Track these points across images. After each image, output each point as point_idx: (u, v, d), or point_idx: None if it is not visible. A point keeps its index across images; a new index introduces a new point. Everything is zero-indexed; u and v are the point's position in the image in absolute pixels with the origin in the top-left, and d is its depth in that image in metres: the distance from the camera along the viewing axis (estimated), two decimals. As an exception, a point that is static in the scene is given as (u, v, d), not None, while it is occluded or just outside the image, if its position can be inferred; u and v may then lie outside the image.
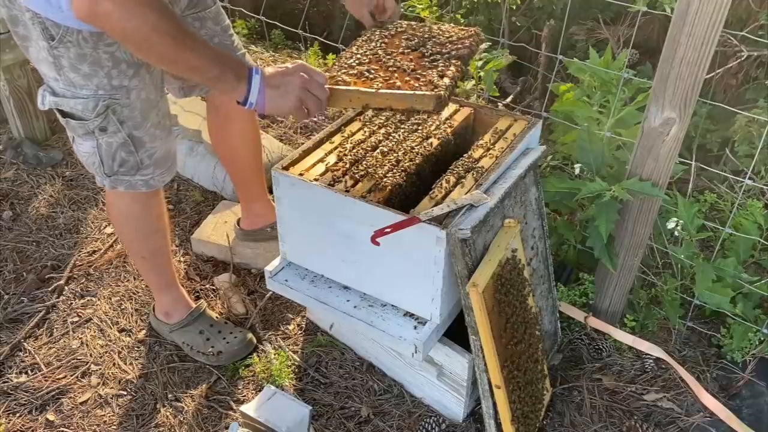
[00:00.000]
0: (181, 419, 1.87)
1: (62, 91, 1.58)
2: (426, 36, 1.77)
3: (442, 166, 1.75)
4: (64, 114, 1.61)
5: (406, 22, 1.88)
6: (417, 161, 1.74)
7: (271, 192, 1.85)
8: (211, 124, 2.15)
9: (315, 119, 1.61)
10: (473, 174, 1.67)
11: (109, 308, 2.20)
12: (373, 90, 1.54)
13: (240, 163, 2.20)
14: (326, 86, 1.52)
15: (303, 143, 1.94)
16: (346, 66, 1.64)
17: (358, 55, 1.69)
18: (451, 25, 1.86)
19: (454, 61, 1.64)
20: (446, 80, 1.55)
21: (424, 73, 1.59)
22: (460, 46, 1.71)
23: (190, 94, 1.95)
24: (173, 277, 2.03)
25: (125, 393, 1.95)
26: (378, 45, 1.74)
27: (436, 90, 1.51)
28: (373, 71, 1.61)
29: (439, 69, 1.60)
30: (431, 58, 1.66)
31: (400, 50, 1.71)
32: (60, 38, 1.48)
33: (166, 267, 1.99)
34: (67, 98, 1.58)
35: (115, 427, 1.86)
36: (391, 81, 1.57)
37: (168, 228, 1.95)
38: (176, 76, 1.83)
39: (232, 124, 2.09)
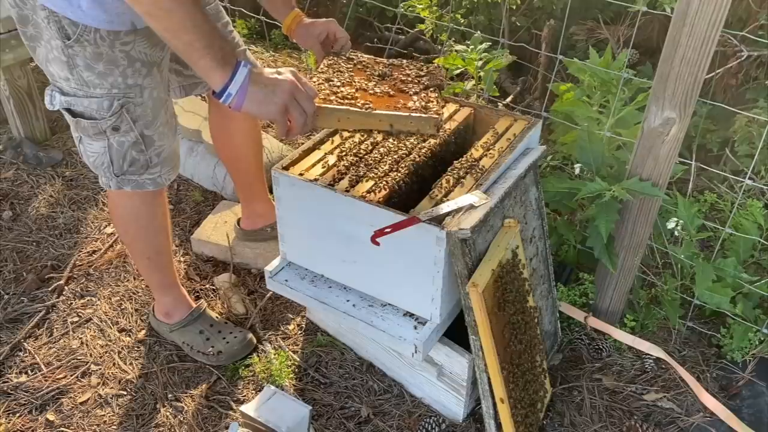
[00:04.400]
0: (181, 419, 1.87)
1: (73, 90, 1.57)
2: (390, 69, 1.74)
3: (442, 166, 1.75)
4: (75, 114, 1.61)
5: (366, 55, 1.83)
6: (417, 161, 1.74)
7: (271, 192, 1.85)
8: (213, 123, 2.15)
9: (296, 137, 1.55)
10: (473, 174, 1.67)
11: (109, 308, 2.20)
12: (366, 110, 1.49)
13: (241, 162, 2.20)
14: (315, 102, 1.46)
15: (303, 143, 1.94)
16: (326, 92, 1.57)
17: (335, 81, 1.63)
18: (411, 62, 1.82)
19: (431, 91, 1.63)
20: (435, 106, 1.55)
21: (410, 99, 1.58)
22: (432, 76, 1.69)
23: (190, 93, 1.95)
24: (174, 276, 2.03)
25: (125, 393, 1.95)
26: (350, 75, 1.69)
27: (431, 113, 1.50)
28: (356, 97, 1.56)
29: (421, 96, 1.60)
30: (408, 87, 1.64)
31: (373, 81, 1.67)
32: (77, 37, 1.49)
33: (168, 266, 1.99)
34: (79, 97, 1.58)
35: (115, 427, 1.86)
36: (380, 104, 1.53)
37: (170, 227, 1.95)
38: (176, 65, 1.83)
39: (233, 124, 2.09)
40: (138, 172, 1.71)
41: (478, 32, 2.58)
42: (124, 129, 1.63)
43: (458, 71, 2.46)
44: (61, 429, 1.86)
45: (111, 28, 1.50)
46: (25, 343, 2.08)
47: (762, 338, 1.97)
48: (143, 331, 2.12)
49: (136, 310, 2.20)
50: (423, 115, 1.51)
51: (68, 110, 1.61)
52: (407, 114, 1.51)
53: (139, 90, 1.60)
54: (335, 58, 1.78)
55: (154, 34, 1.59)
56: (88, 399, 1.93)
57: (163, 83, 1.68)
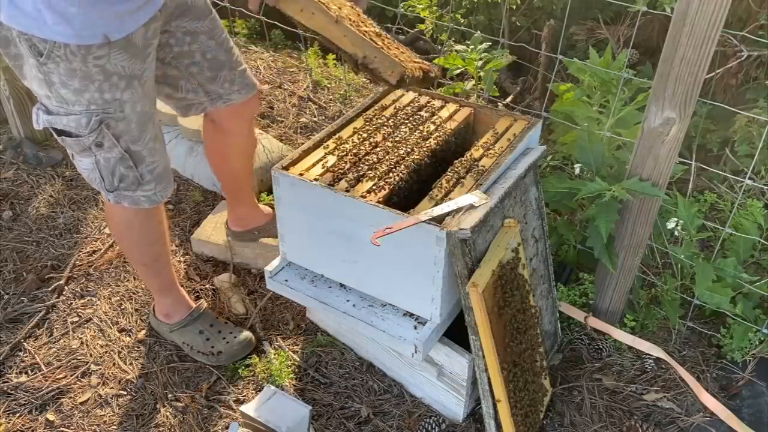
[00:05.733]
0: (181, 419, 1.87)
1: (55, 108, 1.54)
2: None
3: (442, 166, 1.75)
4: (59, 132, 1.58)
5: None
6: (417, 161, 1.74)
7: (270, 192, 1.85)
8: (208, 135, 2.10)
9: (268, 1, 1.45)
10: (473, 174, 1.67)
11: (109, 308, 2.20)
12: (333, 15, 1.35)
13: (231, 172, 2.17)
14: None
15: (303, 143, 1.94)
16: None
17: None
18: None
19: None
20: (411, 64, 1.43)
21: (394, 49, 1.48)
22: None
23: (186, 114, 1.92)
24: (173, 279, 2.03)
25: (125, 393, 1.95)
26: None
27: (402, 63, 1.39)
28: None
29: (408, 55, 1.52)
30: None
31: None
32: (48, 54, 1.44)
33: (166, 270, 1.99)
34: (60, 116, 1.54)
35: (115, 427, 1.86)
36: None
37: (167, 232, 1.94)
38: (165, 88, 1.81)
39: (230, 139, 2.05)
40: (131, 189, 1.69)
41: (478, 32, 2.58)
42: (108, 145, 1.59)
43: (458, 71, 2.46)
44: (61, 429, 1.86)
45: (80, 42, 1.44)
46: (25, 343, 2.08)
47: (762, 338, 1.97)
48: (143, 331, 2.12)
49: (136, 310, 2.20)
50: (392, 58, 1.37)
51: (53, 129, 1.58)
52: (377, 47, 1.38)
53: (118, 104, 1.55)
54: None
55: (133, 46, 1.53)
56: (88, 399, 1.93)
57: (147, 97, 1.62)
